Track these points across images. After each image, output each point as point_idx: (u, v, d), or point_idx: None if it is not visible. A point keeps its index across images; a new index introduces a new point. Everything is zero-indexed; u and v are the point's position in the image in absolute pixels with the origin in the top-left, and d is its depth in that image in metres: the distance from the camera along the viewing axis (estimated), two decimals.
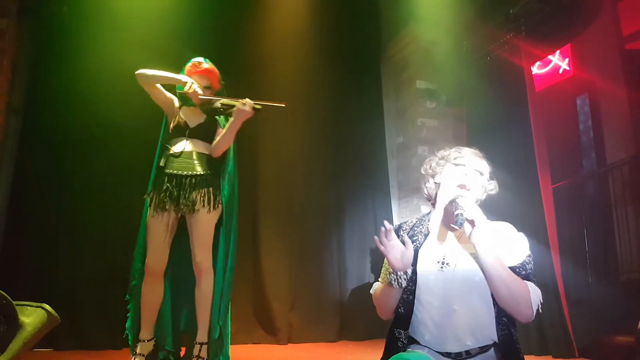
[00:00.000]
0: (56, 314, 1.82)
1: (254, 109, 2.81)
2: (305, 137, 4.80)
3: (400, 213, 5.27)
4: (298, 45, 4.84)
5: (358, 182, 5.04)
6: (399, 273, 1.63)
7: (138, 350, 2.78)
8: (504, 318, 1.61)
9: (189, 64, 2.98)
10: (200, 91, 2.86)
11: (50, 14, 4.04)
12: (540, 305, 1.61)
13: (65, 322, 1.89)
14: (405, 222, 1.89)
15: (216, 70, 3.01)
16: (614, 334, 3.84)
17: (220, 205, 2.92)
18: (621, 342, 3.73)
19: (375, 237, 1.60)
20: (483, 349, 1.60)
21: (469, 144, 1.85)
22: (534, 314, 1.60)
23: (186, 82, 2.84)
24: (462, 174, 1.73)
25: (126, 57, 4.01)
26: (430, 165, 1.86)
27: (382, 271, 1.90)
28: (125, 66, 3.97)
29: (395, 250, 1.59)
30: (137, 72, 2.85)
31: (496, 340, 1.60)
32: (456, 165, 1.76)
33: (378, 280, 1.91)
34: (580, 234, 5.12)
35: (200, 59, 2.98)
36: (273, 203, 4.58)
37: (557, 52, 5.79)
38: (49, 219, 3.82)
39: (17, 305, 1.71)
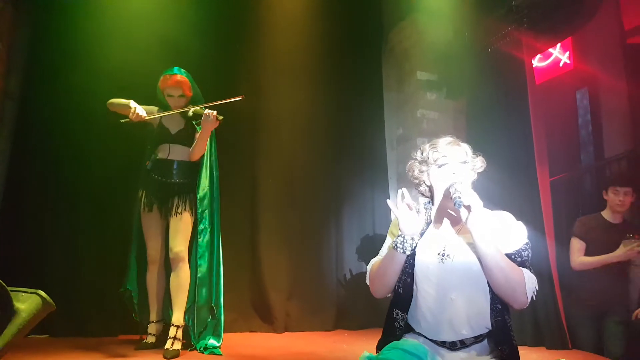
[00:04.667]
0: (51, 301, 1.82)
1: (217, 119, 3.08)
2: (305, 129, 4.79)
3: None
4: (298, 37, 4.82)
5: (357, 173, 5.04)
6: (406, 237, 1.64)
7: (149, 330, 3.24)
8: (498, 305, 1.62)
9: (162, 77, 3.21)
10: (143, 113, 3.09)
11: None
12: (535, 293, 1.62)
13: (60, 308, 1.89)
14: None
15: (187, 80, 3.26)
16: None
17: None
18: None
19: (389, 200, 1.67)
20: (477, 339, 1.62)
21: (469, 136, 1.84)
22: (529, 301, 1.61)
23: (129, 109, 3.08)
24: (450, 173, 1.73)
25: (126, 41, 3.97)
26: (413, 174, 1.86)
27: (382, 247, 1.90)
28: (125, 51, 3.94)
29: (408, 214, 1.64)
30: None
31: (490, 327, 1.60)
32: (439, 166, 1.76)
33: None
34: None
35: (173, 70, 3.22)
36: (272, 194, 4.58)
37: (558, 45, 5.76)
38: (46, 205, 3.80)
39: (11, 291, 1.70)
